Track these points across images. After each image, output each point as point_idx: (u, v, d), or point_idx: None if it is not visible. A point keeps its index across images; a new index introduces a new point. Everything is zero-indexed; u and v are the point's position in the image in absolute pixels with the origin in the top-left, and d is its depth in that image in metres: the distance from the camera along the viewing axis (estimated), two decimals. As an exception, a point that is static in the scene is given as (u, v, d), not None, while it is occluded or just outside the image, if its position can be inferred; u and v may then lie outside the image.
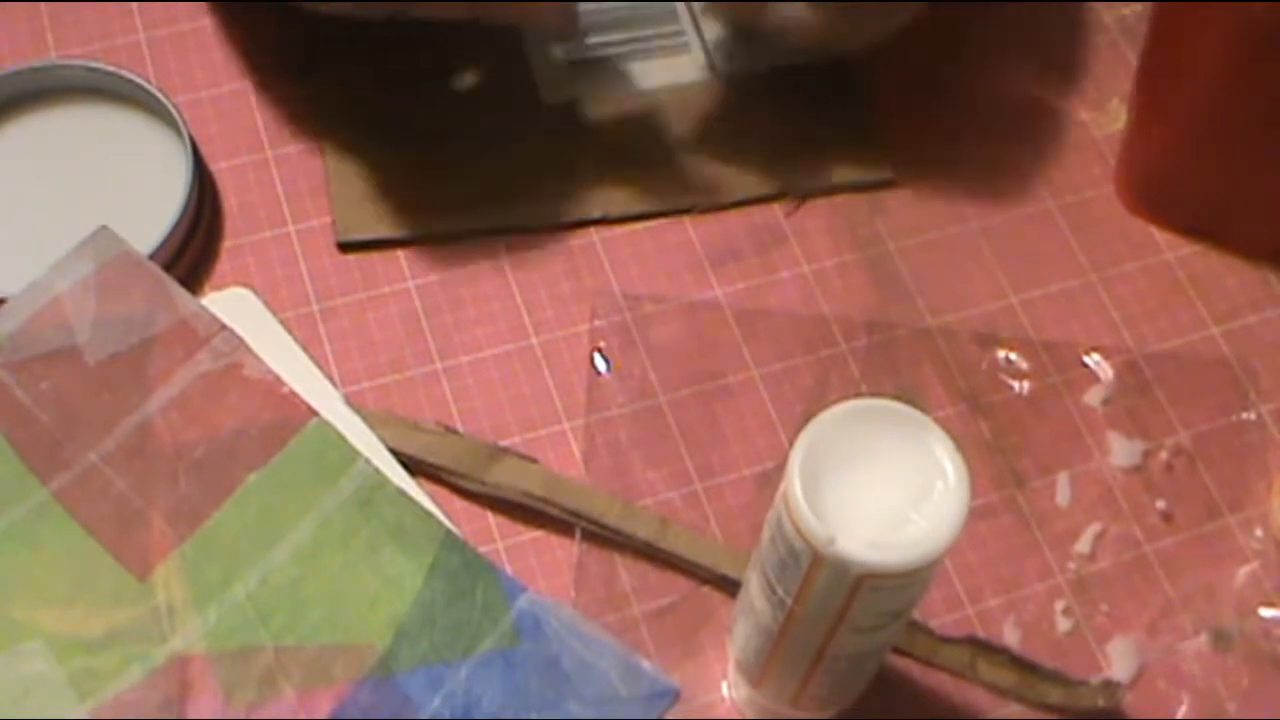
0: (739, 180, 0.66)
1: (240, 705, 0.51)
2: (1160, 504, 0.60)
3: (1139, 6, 0.72)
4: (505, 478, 0.58)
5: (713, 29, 0.69)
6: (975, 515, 0.58)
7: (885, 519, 0.42)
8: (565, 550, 0.58)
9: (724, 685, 0.56)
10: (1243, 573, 0.59)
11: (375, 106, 0.66)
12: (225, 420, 0.56)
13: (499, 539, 0.58)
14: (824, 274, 0.64)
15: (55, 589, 0.53)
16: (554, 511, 0.58)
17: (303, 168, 0.65)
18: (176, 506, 0.54)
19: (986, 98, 0.70)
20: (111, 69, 0.64)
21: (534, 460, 0.59)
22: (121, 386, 0.56)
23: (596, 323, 0.62)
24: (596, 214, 0.65)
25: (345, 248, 0.63)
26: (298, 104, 0.66)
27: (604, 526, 0.57)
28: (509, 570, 0.56)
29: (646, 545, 0.57)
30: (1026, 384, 0.62)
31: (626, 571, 0.57)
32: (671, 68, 0.68)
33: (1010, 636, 0.57)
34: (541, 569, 0.57)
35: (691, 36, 0.69)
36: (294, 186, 0.65)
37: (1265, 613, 0.58)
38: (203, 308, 0.58)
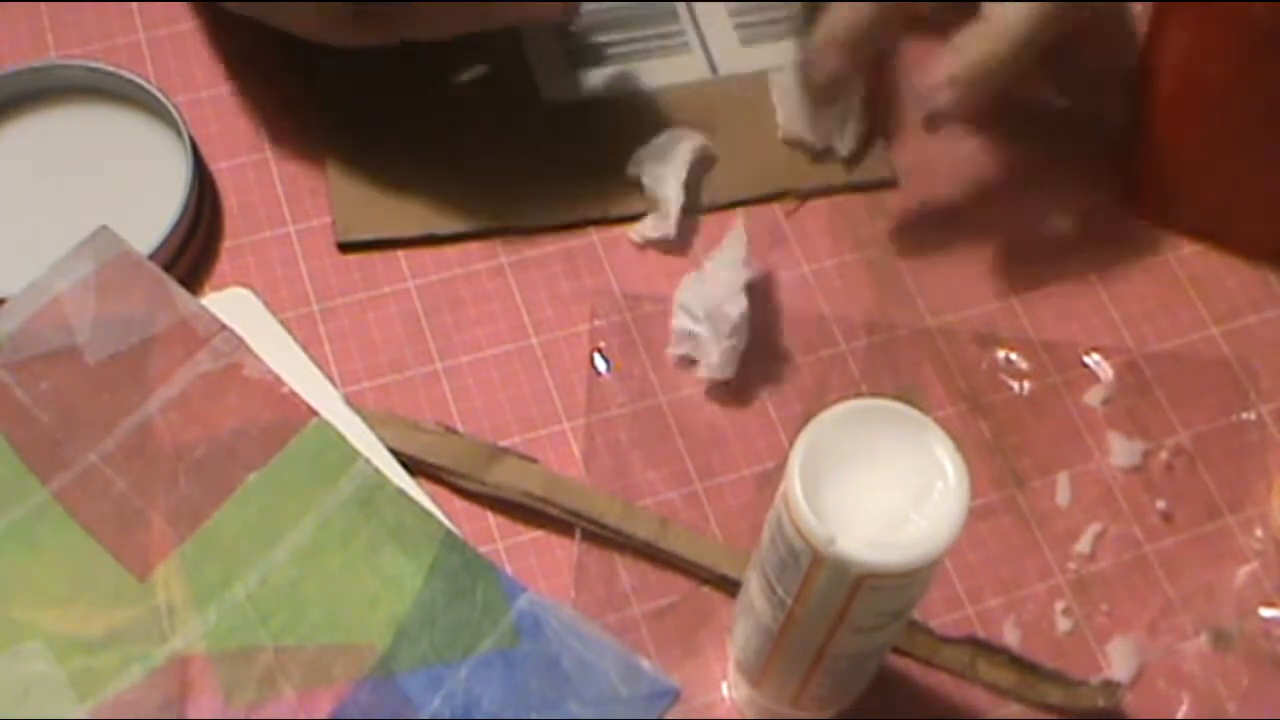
0: (739, 181, 0.66)
1: (240, 705, 0.51)
2: (1160, 504, 0.60)
3: (1139, 6, 0.72)
4: (505, 478, 0.58)
5: (713, 29, 0.69)
6: (975, 515, 0.58)
7: (885, 519, 0.42)
8: (565, 550, 0.58)
9: (724, 685, 0.56)
10: (1243, 573, 0.59)
11: (375, 106, 0.66)
12: (225, 420, 0.56)
13: (499, 539, 0.58)
14: (824, 274, 0.64)
15: (55, 589, 0.53)
16: (554, 511, 0.58)
17: (303, 168, 0.65)
18: (176, 506, 0.54)
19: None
20: (111, 69, 0.64)
21: (534, 460, 0.59)
22: (121, 386, 0.56)
23: (596, 323, 0.62)
24: (596, 214, 0.65)
25: (345, 248, 0.63)
26: (298, 104, 0.66)
27: (604, 526, 0.57)
28: (509, 570, 0.56)
29: (646, 545, 0.57)
30: (1026, 384, 0.62)
31: (626, 571, 0.57)
32: (672, 68, 0.68)
33: (1010, 636, 0.57)
34: (541, 569, 0.57)
35: (691, 36, 0.69)
36: (294, 186, 0.65)
37: (1265, 613, 0.58)
38: (203, 308, 0.58)
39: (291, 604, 0.53)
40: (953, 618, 0.57)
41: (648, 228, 0.64)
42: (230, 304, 0.59)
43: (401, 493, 0.55)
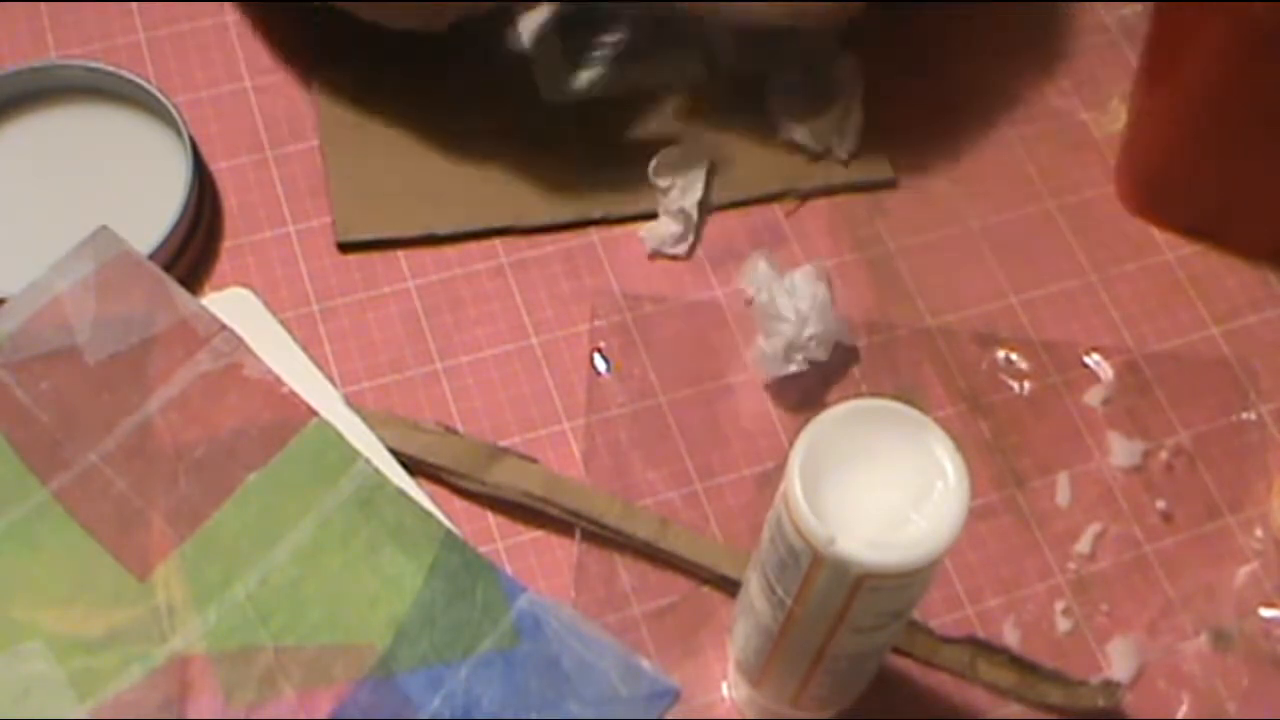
0: (738, 181, 0.66)
1: (240, 705, 0.51)
2: (1160, 504, 0.60)
3: (1139, 6, 0.72)
4: (505, 478, 0.58)
5: (713, 29, 0.69)
6: (975, 515, 0.58)
7: (885, 519, 0.42)
8: (565, 550, 0.58)
9: (724, 685, 0.56)
10: (1243, 573, 0.59)
11: (375, 106, 0.66)
12: (225, 420, 0.56)
13: (499, 539, 0.58)
14: (824, 274, 0.64)
15: (55, 589, 0.53)
16: (554, 511, 0.58)
17: (303, 168, 0.65)
18: (176, 506, 0.54)
19: (987, 97, 0.70)
20: (111, 69, 0.64)
21: (534, 460, 0.59)
22: (121, 386, 0.56)
23: (596, 323, 0.62)
24: (596, 214, 0.65)
25: (345, 248, 0.63)
26: (298, 104, 0.66)
27: (604, 526, 0.57)
28: (509, 570, 0.56)
29: (646, 545, 0.57)
30: (1026, 384, 0.62)
31: (626, 571, 0.57)
32: (671, 68, 0.68)
33: (1010, 636, 0.57)
34: (541, 569, 0.57)
35: (691, 36, 0.69)
36: (294, 186, 0.65)
37: (1265, 613, 0.58)
38: (203, 308, 0.58)
39: (291, 604, 0.53)
40: (953, 618, 0.57)
41: (666, 241, 0.64)
42: (230, 304, 0.59)
43: (401, 493, 0.55)
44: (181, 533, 0.54)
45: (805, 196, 0.66)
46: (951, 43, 0.71)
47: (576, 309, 0.63)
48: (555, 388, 0.61)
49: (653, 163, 0.65)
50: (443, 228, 0.64)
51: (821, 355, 0.60)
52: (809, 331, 0.60)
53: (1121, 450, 0.61)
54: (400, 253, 0.63)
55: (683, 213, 0.64)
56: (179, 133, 0.62)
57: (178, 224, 0.60)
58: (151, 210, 0.60)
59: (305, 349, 0.60)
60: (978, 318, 0.64)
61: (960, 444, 0.43)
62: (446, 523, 0.55)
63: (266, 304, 0.60)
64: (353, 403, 0.59)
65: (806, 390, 0.61)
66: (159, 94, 0.63)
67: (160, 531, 0.54)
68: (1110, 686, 0.56)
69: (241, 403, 0.56)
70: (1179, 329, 0.64)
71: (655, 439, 0.60)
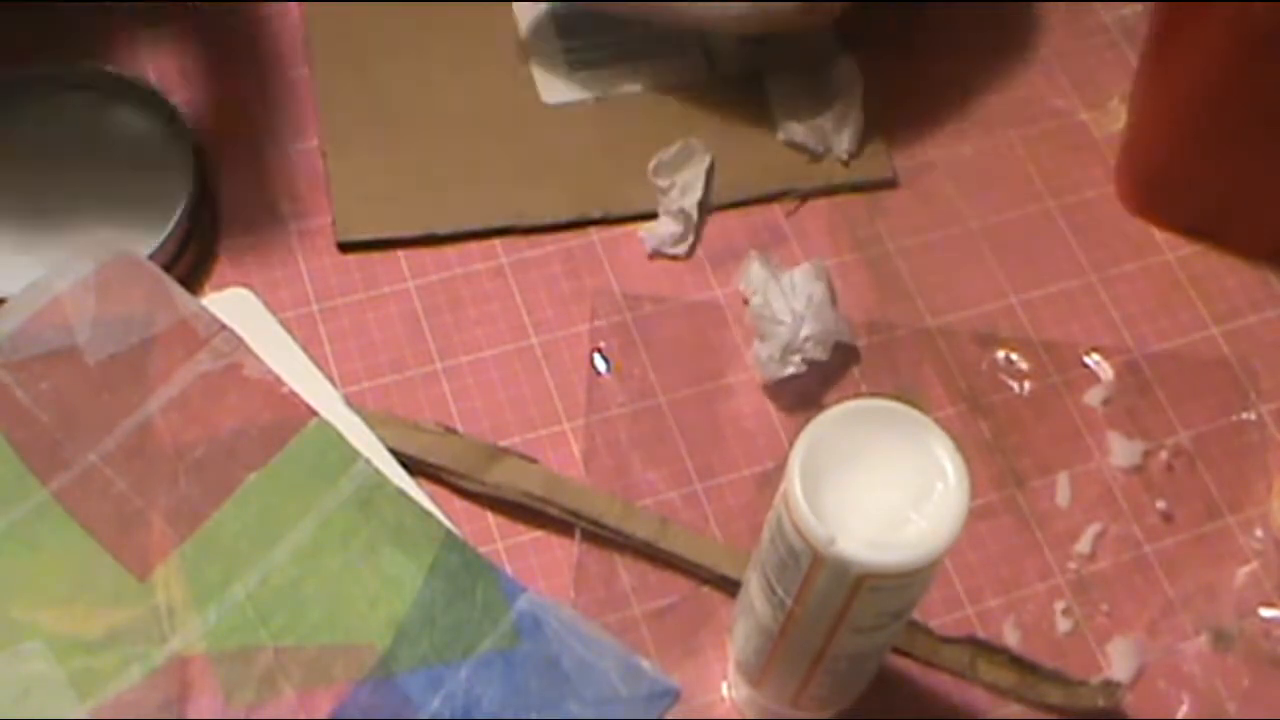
0: (738, 181, 0.66)
1: (240, 705, 0.51)
2: (1160, 504, 0.60)
3: (1139, 6, 0.72)
4: (505, 478, 0.58)
5: (713, 29, 0.69)
6: (975, 515, 0.58)
7: (885, 519, 0.42)
8: (565, 550, 0.58)
9: (724, 685, 0.56)
10: (1243, 573, 0.59)
11: (376, 106, 0.66)
12: (225, 420, 0.56)
13: (499, 539, 0.58)
14: (823, 273, 0.64)
15: (55, 589, 0.53)
16: (554, 511, 0.58)
17: (303, 168, 0.65)
18: (176, 506, 0.54)
19: (987, 97, 0.70)
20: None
21: (534, 460, 0.59)
22: (121, 386, 0.56)
23: (596, 323, 0.62)
24: (596, 214, 0.65)
25: (345, 247, 0.63)
26: (298, 104, 0.66)
27: (604, 526, 0.57)
28: (509, 570, 0.56)
29: (646, 545, 0.57)
30: (1026, 384, 0.62)
31: (626, 571, 0.57)
32: (671, 68, 0.68)
33: (1010, 636, 0.57)
34: (541, 569, 0.57)
35: (691, 36, 0.69)
36: (294, 186, 0.65)
37: (1265, 613, 0.58)
38: (203, 308, 0.58)
39: (291, 604, 0.53)
40: (953, 618, 0.57)
41: (666, 241, 0.64)
42: (230, 304, 0.59)
43: (401, 493, 0.55)
44: (181, 533, 0.54)
45: (805, 196, 0.66)
46: (952, 43, 0.71)
47: (576, 309, 0.63)
48: (555, 388, 0.61)
49: (653, 163, 0.65)
50: (443, 227, 0.64)
51: (820, 355, 0.60)
52: (805, 332, 0.60)
53: (1121, 450, 0.61)
54: (400, 253, 0.63)
55: (683, 213, 0.64)
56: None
57: (178, 224, 0.60)
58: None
59: (305, 349, 0.60)
60: (978, 318, 0.64)
61: (960, 444, 0.43)
62: (446, 523, 0.55)
63: (266, 304, 0.60)
64: (353, 403, 0.59)
65: (806, 390, 0.61)
66: (159, 94, 0.63)
67: (160, 531, 0.54)
68: (1110, 686, 0.56)
69: (241, 403, 0.56)
70: (1179, 329, 0.64)
71: (655, 439, 0.60)
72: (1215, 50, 0.59)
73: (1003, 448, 0.61)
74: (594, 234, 0.65)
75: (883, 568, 0.42)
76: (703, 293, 0.64)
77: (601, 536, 0.57)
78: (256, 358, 0.57)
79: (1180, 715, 0.56)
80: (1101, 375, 0.63)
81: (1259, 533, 0.60)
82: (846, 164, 0.67)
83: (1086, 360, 0.63)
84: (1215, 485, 0.61)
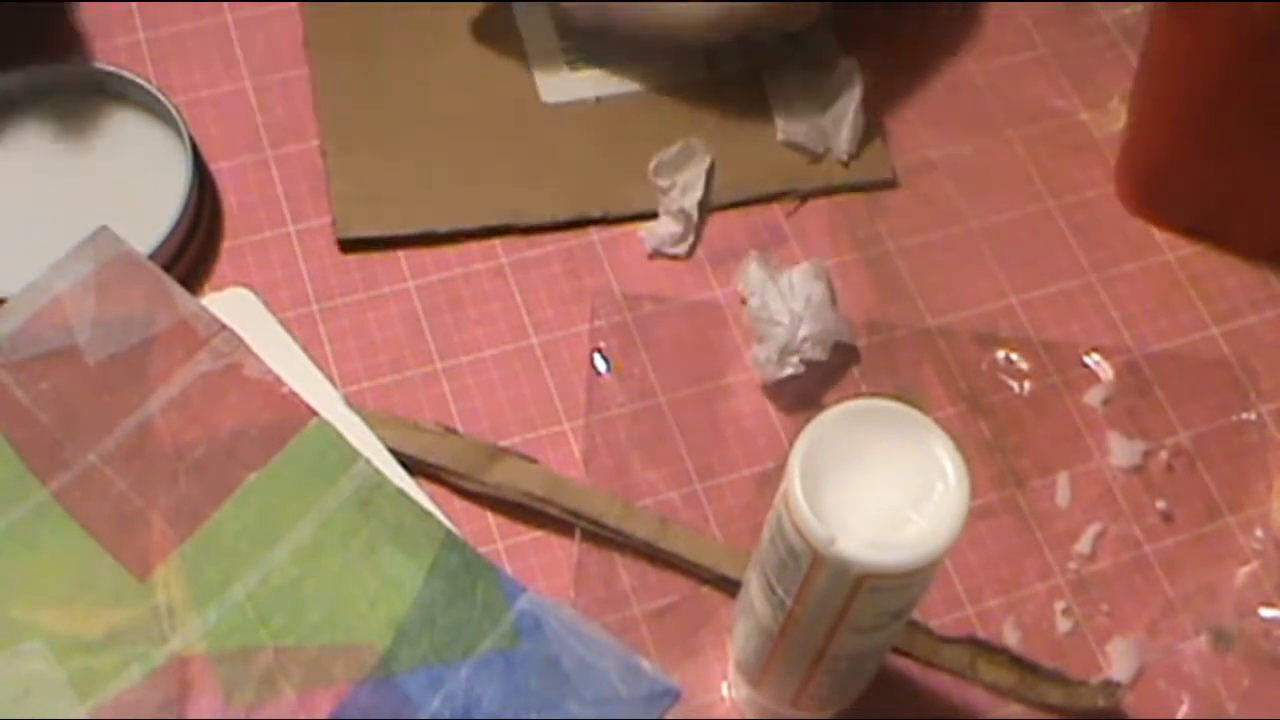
0: (738, 181, 0.66)
1: (240, 705, 0.51)
2: (1160, 504, 0.60)
3: (1139, 6, 0.72)
4: (505, 478, 0.58)
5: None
6: (975, 515, 0.58)
7: (885, 519, 0.42)
8: (565, 550, 0.58)
9: (724, 685, 0.56)
10: (1243, 573, 0.59)
11: (376, 106, 0.66)
12: (225, 420, 0.56)
13: (499, 539, 0.58)
14: (823, 272, 0.64)
15: (55, 589, 0.53)
16: (554, 511, 0.58)
17: (303, 168, 0.65)
18: (176, 506, 0.54)
19: (986, 97, 0.70)
20: (111, 69, 0.64)
21: (534, 460, 0.59)
22: (121, 386, 0.56)
23: (596, 323, 0.62)
24: (596, 214, 0.65)
25: (345, 246, 0.63)
26: (298, 104, 0.67)
27: (604, 526, 0.57)
28: (509, 570, 0.56)
29: (646, 545, 0.57)
30: (1026, 384, 0.62)
31: (626, 571, 0.57)
32: (671, 68, 0.68)
33: (1010, 636, 0.57)
34: (541, 569, 0.57)
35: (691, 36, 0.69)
36: (294, 186, 0.65)
37: (1265, 613, 0.58)
38: (203, 308, 0.58)
39: (291, 604, 0.53)
40: (953, 618, 0.57)
41: (666, 241, 0.64)
42: (230, 304, 0.59)
43: (401, 493, 0.55)
44: (181, 533, 0.54)
45: (805, 196, 0.66)
46: (951, 43, 0.71)
47: (576, 309, 0.63)
48: (555, 388, 0.61)
49: (653, 163, 0.65)
50: (443, 226, 0.64)
51: (820, 355, 0.60)
52: (803, 333, 0.60)
53: (1121, 450, 0.61)
54: (400, 252, 0.63)
55: (683, 213, 0.64)
56: (179, 133, 0.62)
57: (178, 224, 0.60)
58: (151, 210, 0.60)
59: (305, 349, 0.60)
60: (978, 318, 0.64)
61: (960, 444, 0.43)
62: (446, 523, 0.55)
63: (266, 304, 0.60)
64: (353, 403, 0.59)
65: (806, 390, 0.61)
66: (159, 94, 0.63)
67: (160, 531, 0.54)
68: (1110, 686, 0.56)
69: (241, 403, 0.56)
70: (1179, 329, 0.64)
71: (655, 439, 0.60)
72: (1215, 50, 0.59)
73: (1003, 448, 0.61)
74: (594, 234, 0.65)
75: (883, 568, 0.42)
76: (703, 293, 0.64)
77: (601, 536, 0.57)
78: (256, 358, 0.57)
79: (1180, 715, 0.56)
80: (1101, 375, 0.63)
81: (1259, 533, 0.60)
82: (846, 164, 0.67)
83: (1086, 360, 0.63)
84: (1215, 485, 0.61)
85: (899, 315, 0.64)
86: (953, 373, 0.62)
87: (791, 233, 0.65)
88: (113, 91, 0.64)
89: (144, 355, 0.57)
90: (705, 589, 0.57)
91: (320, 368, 0.59)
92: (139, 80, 0.63)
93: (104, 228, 0.58)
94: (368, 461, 0.56)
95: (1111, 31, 0.72)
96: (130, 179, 0.63)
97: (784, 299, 0.61)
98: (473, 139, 0.66)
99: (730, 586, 0.56)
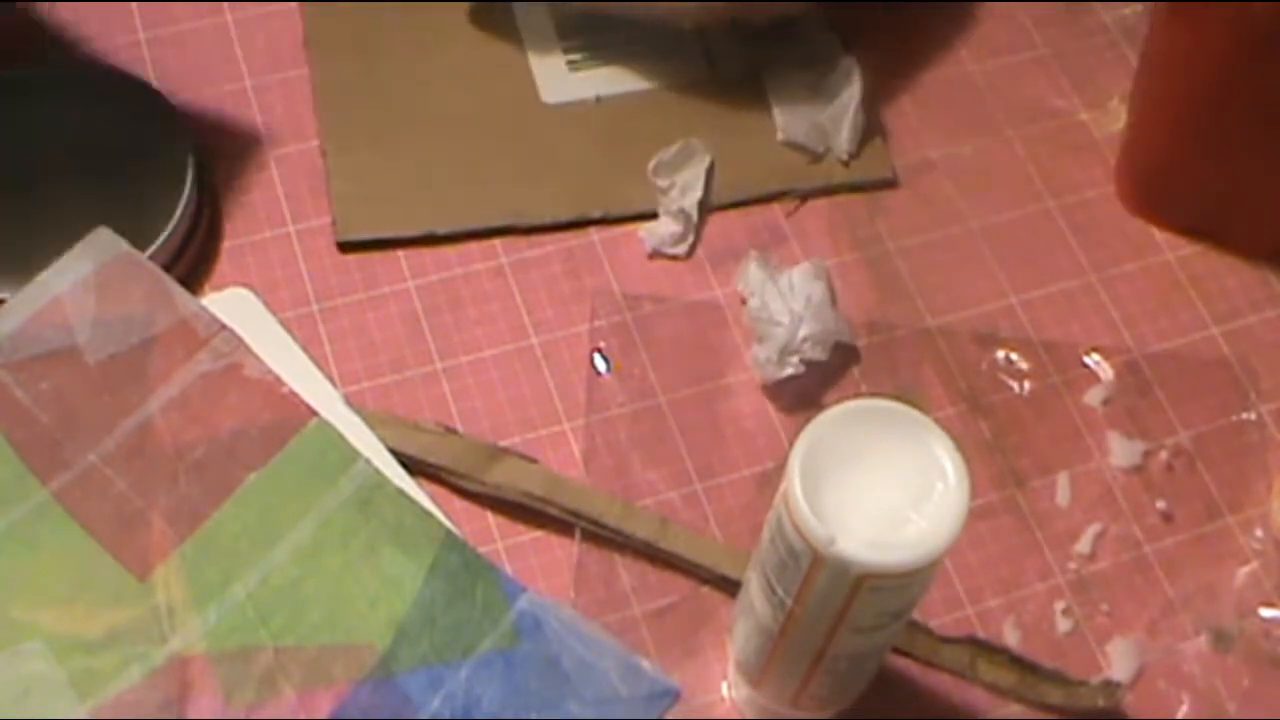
0: (738, 181, 0.66)
1: (240, 705, 0.51)
2: (1160, 504, 0.60)
3: (1139, 6, 0.72)
4: (505, 478, 0.58)
5: (713, 29, 0.69)
6: (975, 515, 0.58)
7: (885, 519, 0.42)
8: (565, 550, 0.58)
9: (724, 685, 0.56)
10: (1243, 573, 0.59)
11: (376, 106, 0.66)
12: (225, 420, 0.56)
13: (499, 539, 0.58)
14: (823, 272, 0.64)
15: (55, 589, 0.53)
16: (554, 511, 0.58)
17: (303, 168, 0.65)
18: (176, 506, 0.54)
19: (986, 97, 0.70)
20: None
21: (534, 460, 0.59)
22: (121, 386, 0.56)
23: (596, 323, 0.62)
24: (596, 214, 0.65)
25: (345, 247, 0.63)
26: (298, 104, 0.67)
27: (604, 526, 0.57)
28: (509, 570, 0.56)
29: (646, 545, 0.57)
30: (1026, 384, 0.62)
31: (626, 571, 0.57)
32: (671, 68, 0.68)
33: (1010, 636, 0.57)
34: (541, 569, 0.57)
35: (691, 36, 0.69)
36: (294, 186, 0.65)
37: (1265, 613, 0.58)
38: (203, 308, 0.58)
39: (291, 604, 0.53)
40: (953, 618, 0.57)
41: (666, 241, 0.64)
42: (230, 304, 0.59)
43: (401, 493, 0.55)
44: (181, 533, 0.54)
45: (805, 196, 0.66)
46: (951, 43, 0.71)
47: (576, 309, 0.63)
48: (555, 388, 0.61)
49: (653, 163, 0.65)
50: (443, 227, 0.64)
51: (820, 355, 0.60)
52: (804, 332, 0.60)
53: (1121, 450, 0.61)
54: (400, 253, 0.63)
55: (683, 213, 0.64)
56: (179, 133, 0.62)
57: (178, 224, 0.60)
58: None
59: (305, 349, 0.60)
60: (978, 318, 0.64)
61: (960, 444, 0.43)
62: (446, 523, 0.55)
63: (266, 304, 0.60)
64: (353, 403, 0.59)
65: (806, 390, 0.61)
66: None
67: (160, 531, 0.54)
68: (1110, 686, 0.56)
69: (241, 403, 0.56)
70: (1179, 329, 0.64)
71: (655, 439, 0.60)
72: (1215, 50, 0.59)
73: (1003, 448, 0.61)
74: (594, 234, 0.65)
75: (883, 568, 0.42)
76: (703, 293, 0.64)
77: (601, 536, 0.57)
78: (256, 358, 0.57)
79: (1180, 715, 0.56)
80: (1101, 375, 0.63)
81: (1259, 533, 0.60)
82: (846, 164, 0.67)
83: (1086, 360, 0.63)
84: (1215, 485, 0.61)
85: (899, 315, 0.64)
86: (953, 373, 0.62)
87: (791, 233, 0.65)
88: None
89: (144, 355, 0.57)
90: (705, 589, 0.57)
91: (320, 368, 0.59)
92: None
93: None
94: (368, 461, 0.56)
95: (1111, 31, 0.72)
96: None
97: (784, 299, 0.61)
98: (473, 139, 0.66)
99: (730, 586, 0.56)
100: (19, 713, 0.51)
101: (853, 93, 0.67)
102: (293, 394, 0.57)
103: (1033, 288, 0.65)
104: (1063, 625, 0.58)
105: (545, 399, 0.61)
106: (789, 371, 0.60)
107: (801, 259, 0.64)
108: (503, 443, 0.59)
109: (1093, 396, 0.62)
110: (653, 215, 0.65)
